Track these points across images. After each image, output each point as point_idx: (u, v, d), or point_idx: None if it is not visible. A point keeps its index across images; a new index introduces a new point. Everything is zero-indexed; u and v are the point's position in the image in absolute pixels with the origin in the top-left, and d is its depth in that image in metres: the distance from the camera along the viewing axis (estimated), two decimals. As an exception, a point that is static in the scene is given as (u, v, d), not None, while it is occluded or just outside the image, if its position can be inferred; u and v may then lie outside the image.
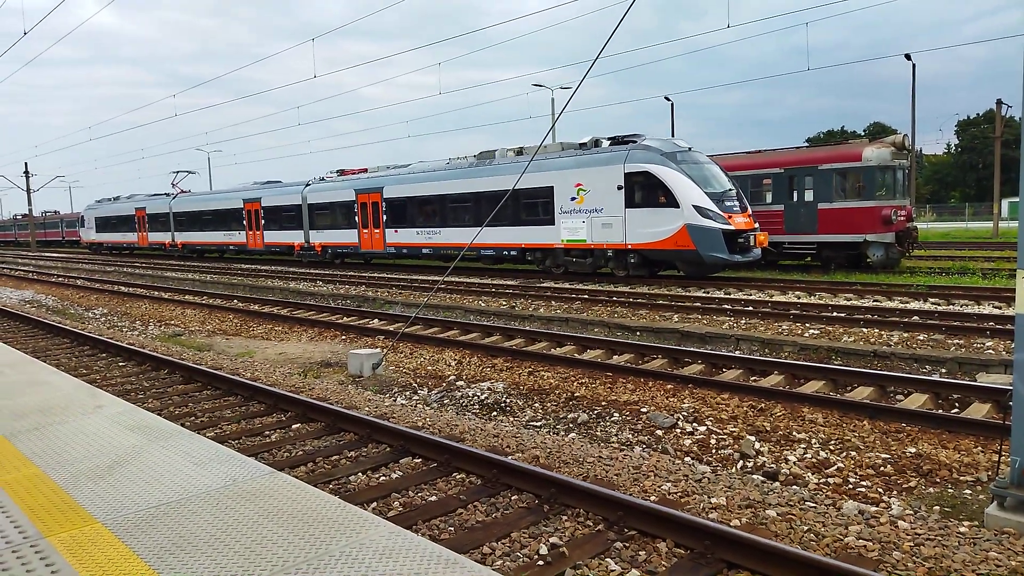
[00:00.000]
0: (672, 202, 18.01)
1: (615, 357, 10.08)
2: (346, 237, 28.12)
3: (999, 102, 38.95)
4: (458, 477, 5.71)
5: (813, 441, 6.18)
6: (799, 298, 15.15)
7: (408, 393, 8.91)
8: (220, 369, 9.79)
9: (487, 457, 5.71)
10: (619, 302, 15.03)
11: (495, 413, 7.86)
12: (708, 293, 16.48)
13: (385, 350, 10.46)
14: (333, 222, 28.73)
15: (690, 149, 19.27)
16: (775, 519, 4.65)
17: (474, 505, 5.16)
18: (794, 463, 5.78)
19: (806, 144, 31.22)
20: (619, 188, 18.94)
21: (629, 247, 19.01)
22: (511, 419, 7.61)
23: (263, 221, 32.42)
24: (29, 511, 3.16)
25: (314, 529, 2.93)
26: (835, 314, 12.11)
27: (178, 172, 41.91)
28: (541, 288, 18.18)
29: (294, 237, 30.85)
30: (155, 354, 10.64)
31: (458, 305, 15.85)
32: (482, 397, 8.34)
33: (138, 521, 3.06)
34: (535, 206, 21.08)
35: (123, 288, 23.50)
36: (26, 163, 75.05)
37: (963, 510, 4.65)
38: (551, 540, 4.48)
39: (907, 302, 13.85)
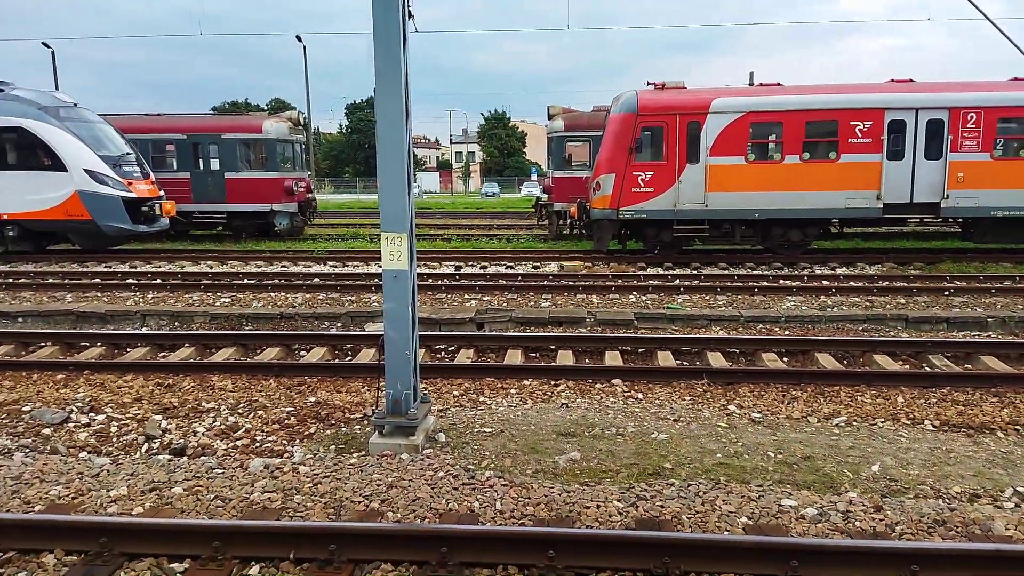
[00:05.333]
0: (58, 165, 15.58)
1: (-16, 351, 8.25)
2: None
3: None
4: None
5: (222, 408, 6.24)
6: (211, 268, 15.04)
7: None
8: None
9: None
10: (-10, 284, 12.33)
11: None
12: (110, 268, 14.94)
13: None
14: None
15: (76, 105, 16.90)
16: (182, 495, 4.53)
17: None
18: (203, 434, 5.73)
19: (212, 112, 30.85)
20: (-15, 144, 15.40)
21: (5, 217, 15.73)
22: None
23: None
24: None
25: None
26: (246, 281, 12.42)
27: None
28: None
29: None
30: None
31: None
32: None
33: None
34: None
35: None
36: None
37: (353, 444, 5.36)
38: None
39: (310, 266, 15.16)
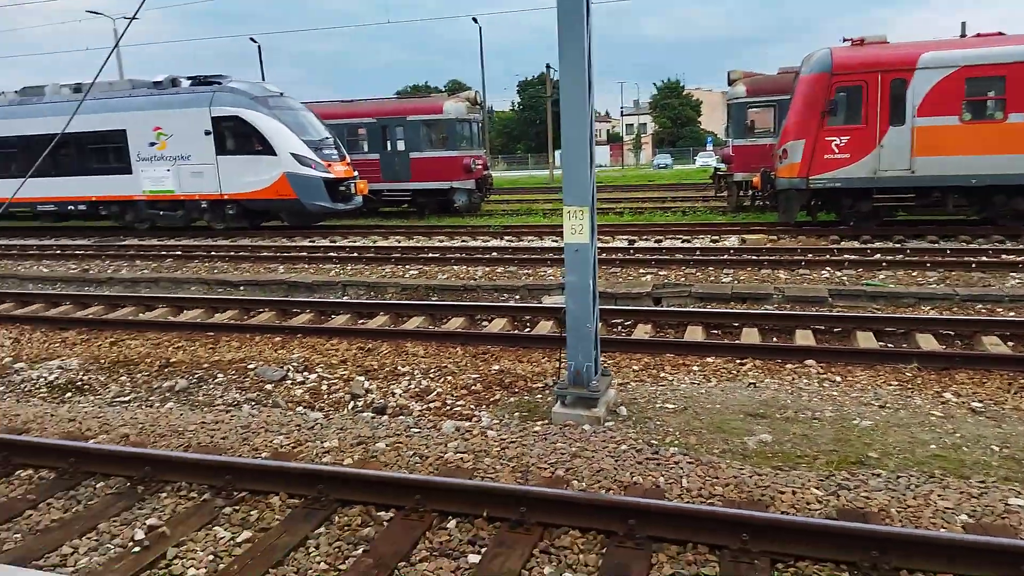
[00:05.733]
0: (269, 149, 17.27)
1: (217, 315, 9.42)
2: None
3: (548, 66, 45.84)
4: (23, 475, 4.77)
5: (416, 372, 6.66)
6: (399, 242, 16.02)
7: (-60, 387, 7.07)
8: None
9: (60, 446, 4.87)
10: (219, 256, 14.01)
11: (69, 394, 6.72)
12: (314, 242, 16.39)
13: (-101, 337, 8.09)
14: None
15: (282, 94, 18.61)
16: (385, 450, 4.90)
17: (47, 503, 4.37)
18: (400, 395, 6.16)
19: (396, 96, 32.69)
20: (207, 133, 17.44)
21: (225, 197, 17.77)
22: (92, 398, 6.60)
23: None
24: None
25: None
26: (431, 255, 13.12)
27: None
28: (123, 247, 15.96)
29: None
30: None
31: (10, 273, 13.02)
32: (50, 378, 7.06)
33: None
34: (105, 152, 18.23)
35: None
36: None
37: (536, 413, 5.51)
38: (148, 522, 4.05)
39: (487, 241, 15.68)
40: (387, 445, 4.97)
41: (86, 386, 6.87)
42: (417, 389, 6.27)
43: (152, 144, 17.77)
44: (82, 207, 18.71)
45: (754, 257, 11.28)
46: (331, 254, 13.91)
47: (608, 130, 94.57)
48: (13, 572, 2.07)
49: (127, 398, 6.54)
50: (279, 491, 4.32)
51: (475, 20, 36.85)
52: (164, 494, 4.40)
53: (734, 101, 19.00)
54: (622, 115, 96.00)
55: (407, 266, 12.36)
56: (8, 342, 8.50)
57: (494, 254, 13.05)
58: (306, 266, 12.84)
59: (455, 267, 12.10)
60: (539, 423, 5.25)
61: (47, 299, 10.51)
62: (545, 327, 8.08)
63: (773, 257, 11.23)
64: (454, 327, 8.29)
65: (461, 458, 4.65)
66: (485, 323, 8.60)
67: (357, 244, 15.61)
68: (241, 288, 11.39)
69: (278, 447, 5.08)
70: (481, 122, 23.34)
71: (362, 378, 6.53)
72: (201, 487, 4.44)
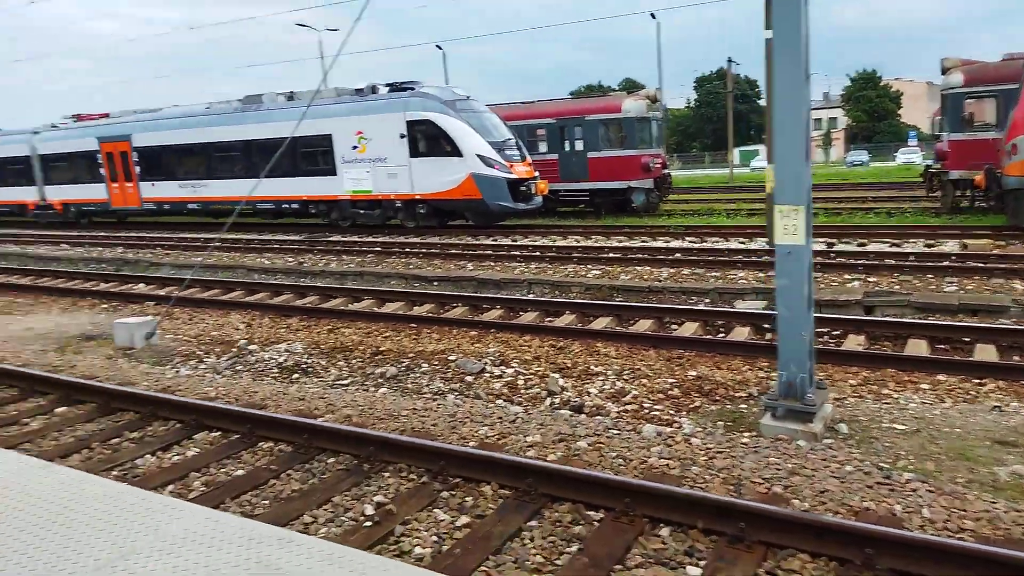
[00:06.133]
0: (456, 151, 18.06)
1: (416, 308, 10.01)
2: (92, 192, 24.64)
3: (730, 60, 44.00)
4: (265, 447, 5.34)
5: (609, 373, 6.65)
6: (579, 242, 16.12)
7: (193, 362, 8.12)
8: (-55, 354, 8.16)
9: (295, 422, 5.40)
10: (413, 253, 14.91)
11: (296, 375, 7.44)
12: (496, 241, 16.93)
13: (159, 317, 9.40)
14: (75, 176, 24.99)
15: (468, 98, 19.38)
16: (587, 449, 4.94)
17: (287, 474, 4.86)
18: (595, 395, 6.18)
19: (569, 96, 32.96)
20: (402, 137, 18.58)
21: (417, 197, 18.85)
22: (315, 380, 7.27)
23: (-22, 176, 27.29)
24: None
25: (113, 525, 2.54)
26: (611, 255, 13.06)
27: None
28: (330, 243, 17.45)
29: (25, 194, 26.41)
30: None
31: (239, 264, 14.70)
32: (280, 360, 7.86)
33: None
34: (314, 155, 20.01)
35: None
36: None
37: (742, 423, 5.29)
38: (376, 499, 4.37)
39: (668, 241, 15.34)
40: (588, 444, 5.00)
41: (310, 368, 7.57)
42: (612, 390, 6.25)
43: (354, 147, 19.26)
44: (295, 206, 20.69)
45: (981, 264, 10.07)
46: (515, 252, 14.29)
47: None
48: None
49: (345, 381, 7.13)
50: (490, 480, 4.48)
51: (653, 16, 36.07)
52: (387, 473, 4.73)
53: (949, 92, 17.09)
54: (810, 109, 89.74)
55: (589, 266, 12.40)
56: (242, 326, 9.59)
57: (678, 255, 12.74)
58: (492, 264, 13.29)
59: (638, 268, 11.95)
60: (746, 434, 5.03)
61: (271, 288, 11.74)
62: (742, 333, 7.74)
63: (1005, 265, 9.95)
64: (643, 329, 8.18)
65: (667, 464, 4.56)
66: (675, 326, 8.41)
67: (538, 243, 15.91)
68: (435, 283, 12.02)
69: (483, 437, 5.28)
70: (660, 120, 22.88)
71: (556, 375, 6.62)
72: (419, 470, 4.72)
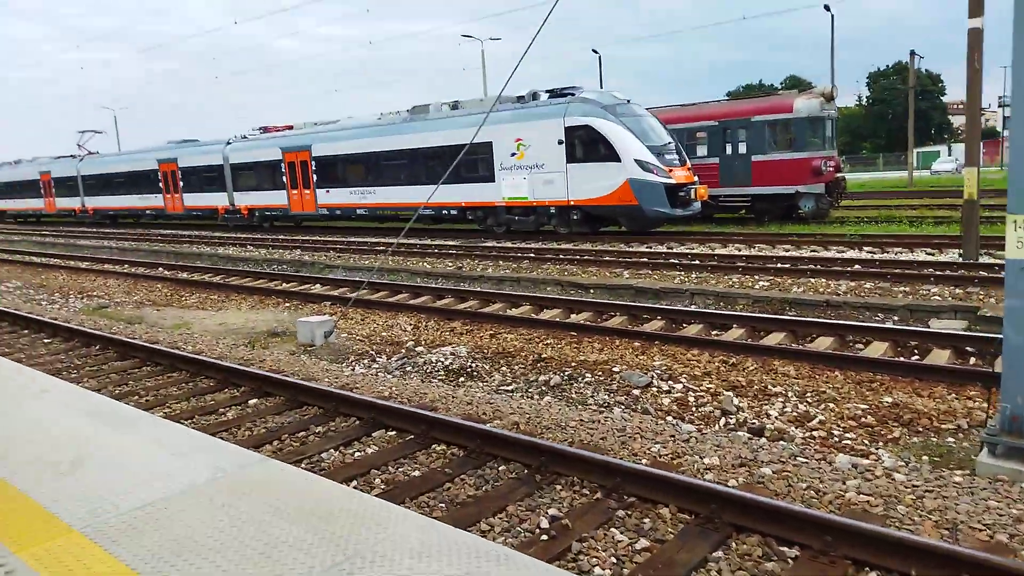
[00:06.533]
0: (614, 156, 17.87)
1: (573, 316, 9.96)
2: (274, 199, 26.90)
3: (912, 53, 40.40)
4: (438, 449, 5.46)
5: (790, 394, 6.22)
6: (740, 250, 15.38)
7: (366, 361, 8.55)
8: (158, 343, 9.15)
9: (467, 426, 5.49)
10: (568, 260, 14.91)
11: (462, 378, 7.61)
12: (651, 248, 16.55)
13: (336, 317, 10.01)
14: (259, 183, 27.41)
15: (628, 102, 19.12)
16: (771, 477, 4.61)
17: (461, 478, 4.94)
18: (776, 417, 5.79)
19: (726, 97, 31.61)
20: (560, 143, 18.66)
21: (572, 203, 18.86)
22: (480, 384, 7.39)
23: (181, 183, 30.63)
24: (-13, 525, 2.73)
25: (333, 527, 2.64)
26: (779, 265, 12.32)
27: (85, 132, 38.91)
28: (485, 248, 17.87)
29: (217, 200, 29.31)
30: (83, 329, 9.86)
31: (402, 267, 15.39)
32: (446, 362, 8.08)
33: (122, 527, 2.68)
34: (474, 163, 20.58)
35: (34, 259, 21.85)
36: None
37: (951, 459, 4.73)
38: (550, 512, 4.31)
39: (843, 251, 14.25)
40: (773, 472, 4.67)
41: (475, 372, 7.72)
42: (795, 413, 5.83)
43: (512, 154, 19.61)
44: (454, 212, 21.41)
45: None
46: (672, 260, 13.89)
47: (983, 125, 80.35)
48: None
49: (510, 387, 7.19)
50: (668, 502, 4.29)
51: (827, 8, 33.85)
52: (559, 486, 4.67)
53: None
54: (1000, 106, 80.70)
55: (756, 276, 11.77)
56: (409, 327, 9.99)
57: (856, 267, 11.79)
58: (649, 272, 12.98)
59: (811, 279, 11.18)
60: (958, 473, 4.48)
61: (433, 292, 12.16)
62: (942, 356, 6.97)
63: None
64: (824, 347, 7.60)
65: (867, 501, 4.15)
66: (860, 345, 7.74)
67: (695, 251, 15.36)
68: (591, 291, 11.92)
69: (656, 455, 5.09)
70: (835, 119, 21.37)
71: (730, 394, 6.29)
72: (592, 485, 4.62)
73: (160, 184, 31.67)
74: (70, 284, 16.57)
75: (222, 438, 5.86)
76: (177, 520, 2.71)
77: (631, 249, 16.30)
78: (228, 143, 28.83)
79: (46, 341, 9.84)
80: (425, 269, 15.05)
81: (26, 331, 10.61)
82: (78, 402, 4.17)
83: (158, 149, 32.41)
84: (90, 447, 3.45)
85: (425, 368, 8.03)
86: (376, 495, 4.73)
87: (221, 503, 2.78)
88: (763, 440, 5.30)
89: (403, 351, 8.80)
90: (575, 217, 19.14)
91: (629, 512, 4.29)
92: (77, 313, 12.33)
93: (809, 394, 6.19)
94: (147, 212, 33.33)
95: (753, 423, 5.65)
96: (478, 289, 12.20)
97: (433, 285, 12.84)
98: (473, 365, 7.93)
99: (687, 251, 15.41)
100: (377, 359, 8.60)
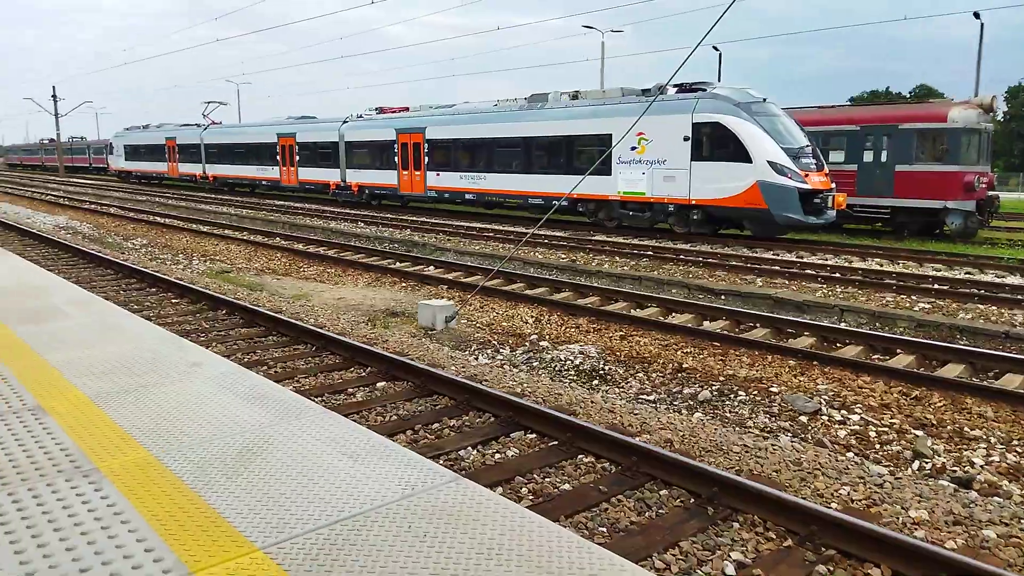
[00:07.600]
0: (744, 156, 16.81)
1: (708, 323, 9.21)
2: (385, 178, 27.12)
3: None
4: (586, 461, 4.93)
5: (992, 439, 5.33)
6: (882, 266, 14.11)
7: (489, 351, 8.13)
8: (281, 312, 9.05)
9: (617, 439, 4.93)
10: (688, 261, 14.08)
11: (596, 381, 7.06)
12: (779, 255, 15.46)
13: (457, 302, 9.66)
14: (371, 162, 27.71)
15: (764, 100, 17.96)
16: (998, 542, 3.84)
17: (618, 499, 4.39)
18: (981, 467, 4.94)
19: (848, 103, 29.52)
20: (685, 139, 17.74)
21: (693, 202, 17.91)
22: (616, 390, 6.82)
23: (297, 157, 31.44)
24: (158, 524, 2.38)
25: (523, 551, 2.14)
26: (937, 287, 11.11)
27: (210, 103, 40.67)
28: (597, 242, 17.23)
29: (330, 175, 29.89)
30: (209, 292, 9.92)
31: (516, 257, 14.96)
32: (576, 362, 7.54)
33: (314, 552, 2.22)
34: (591, 154, 19.92)
35: (159, 219, 22.83)
36: (54, 87, 73.80)
37: None
38: (733, 556, 3.71)
39: (1002, 276, 12.80)
40: (999, 536, 3.90)
41: (608, 376, 7.15)
42: (1005, 464, 4.96)
43: (633, 148, 18.83)
44: (564, 203, 20.83)
45: None
46: (808, 271, 12.84)
47: None
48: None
49: (651, 397, 6.58)
50: (881, 563, 3.61)
51: (977, 16, 31.04)
52: (737, 524, 4.05)
53: None
54: None
55: (913, 296, 10.63)
56: (530, 320, 9.51)
57: (1030, 296, 10.45)
58: (786, 282, 12.00)
59: (979, 305, 9.98)
60: None
61: (550, 284, 11.65)
62: None
63: None
64: (1012, 386, 6.59)
65: None
66: (1062, 388, 6.67)
67: (830, 262, 14.19)
68: (722, 297, 11.10)
69: (847, 499, 4.38)
70: (992, 132, 19.44)
71: (921, 433, 5.45)
72: (778, 529, 3.98)
73: (277, 157, 32.62)
74: (193, 246, 17.08)
75: (353, 419, 5.55)
76: (377, 550, 2.23)
77: (757, 255, 15.26)
78: (344, 121, 29.29)
79: (174, 301, 9.96)
80: (537, 259, 14.56)
81: (153, 289, 10.82)
82: (233, 381, 3.86)
83: (278, 123, 33.39)
84: (254, 437, 3.09)
85: (553, 366, 7.52)
86: (528, 506, 4.25)
87: (422, 532, 2.31)
88: (973, 494, 4.48)
89: (527, 344, 8.34)
90: (695, 217, 18.19)
91: (831, 568, 3.63)
92: (201, 275, 12.55)
93: (1016, 442, 5.28)
94: (263, 182, 34.45)
95: (956, 471, 4.82)
96: (597, 285, 11.61)
97: (548, 277, 12.32)
98: (606, 368, 7.35)
99: (822, 262, 14.25)
100: (501, 350, 8.17)
